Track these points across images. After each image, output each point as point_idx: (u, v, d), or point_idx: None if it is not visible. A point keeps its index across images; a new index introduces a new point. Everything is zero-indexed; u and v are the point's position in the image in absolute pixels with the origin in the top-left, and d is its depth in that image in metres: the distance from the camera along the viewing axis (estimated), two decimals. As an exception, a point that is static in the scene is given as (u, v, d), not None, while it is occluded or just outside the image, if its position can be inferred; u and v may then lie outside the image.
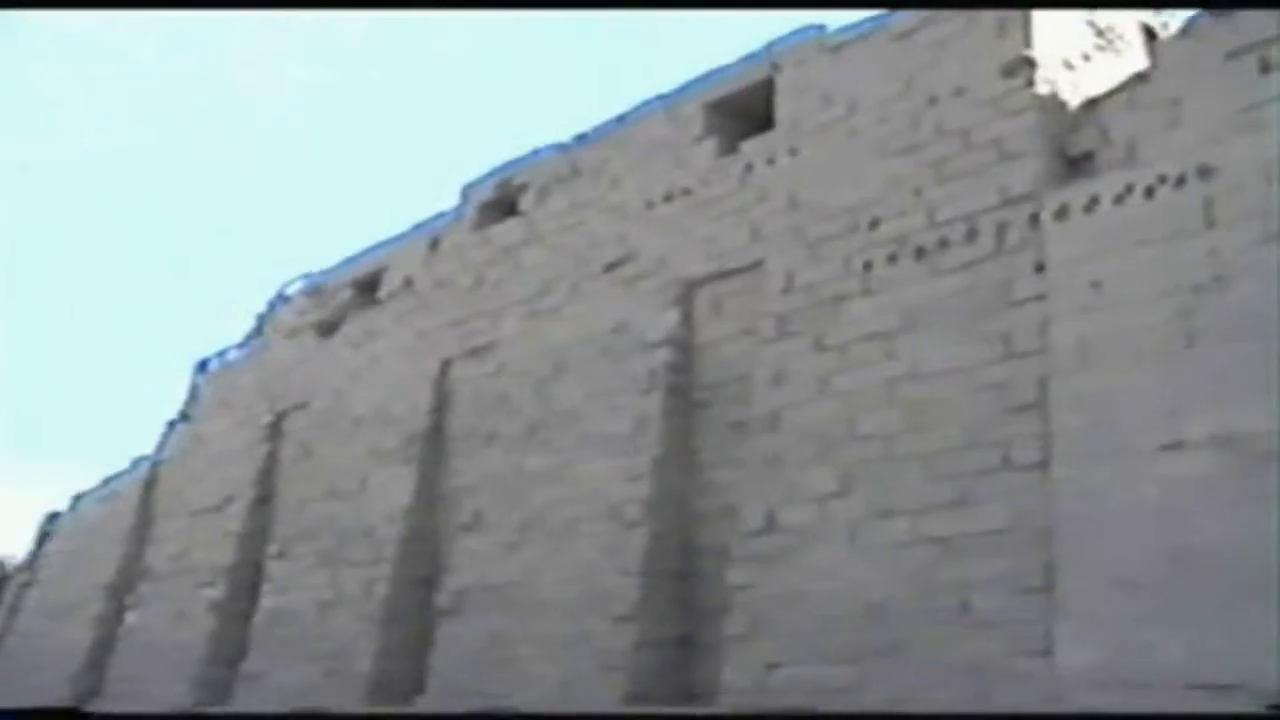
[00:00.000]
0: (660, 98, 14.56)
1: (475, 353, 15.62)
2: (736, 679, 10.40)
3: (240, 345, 21.45)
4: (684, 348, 12.86)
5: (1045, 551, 8.86)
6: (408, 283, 17.47)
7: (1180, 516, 8.20)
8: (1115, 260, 9.25)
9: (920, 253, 10.73)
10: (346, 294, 18.98)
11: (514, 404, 14.54)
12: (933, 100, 11.25)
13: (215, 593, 18.14)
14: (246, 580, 17.90)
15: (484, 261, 16.10)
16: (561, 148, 15.69)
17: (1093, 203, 9.59)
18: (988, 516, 9.32)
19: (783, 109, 12.89)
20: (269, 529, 18.14)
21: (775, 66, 13.16)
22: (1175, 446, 8.41)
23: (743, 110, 13.58)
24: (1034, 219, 9.98)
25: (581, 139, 15.47)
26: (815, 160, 12.17)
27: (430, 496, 15.39)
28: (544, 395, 14.12)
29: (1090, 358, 9.11)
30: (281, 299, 20.73)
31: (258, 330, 21.11)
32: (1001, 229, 10.20)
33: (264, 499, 18.60)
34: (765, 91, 13.25)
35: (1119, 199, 9.44)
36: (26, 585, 24.28)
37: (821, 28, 12.84)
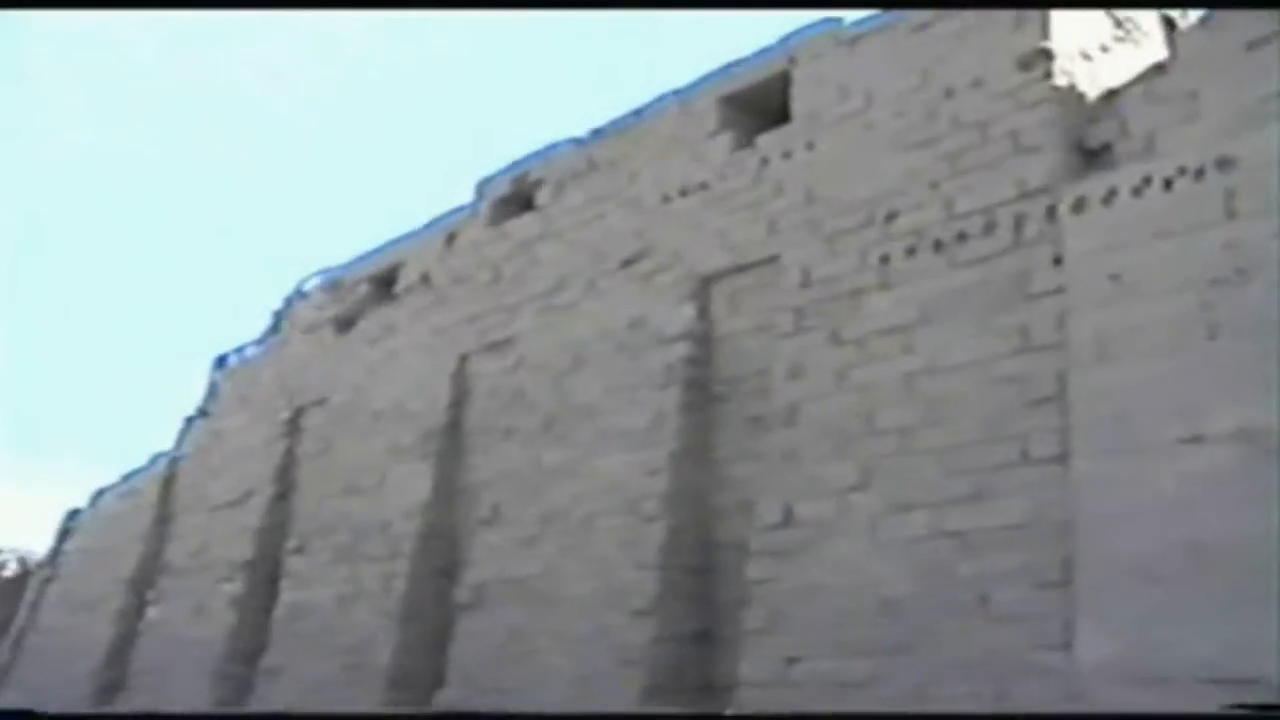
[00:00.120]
0: (675, 92, 14.55)
1: (492, 348, 15.65)
2: (755, 673, 10.41)
3: (258, 341, 21.53)
4: (701, 342, 12.86)
5: (1064, 545, 8.83)
6: (424, 278, 17.51)
7: (1199, 510, 8.17)
8: (1134, 253, 9.21)
9: (938, 246, 10.70)
10: (364, 289, 19.04)
11: (531, 399, 14.56)
12: (950, 93, 11.22)
13: (234, 588, 18.22)
14: (265, 575, 17.97)
15: (500, 257, 16.12)
16: (577, 142, 15.70)
17: (1111, 195, 9.55)
18: (1006, 510, 9.30)
19: (799, 102, 12.86)
20: (288, 524, 18.22)
21: (791, 60, 13.14)
22: (1194, 440, 8.37)
23: (758, 104, 13.57)
24: (1052, 211, 9.94)
25: (597, 134, 15.48)
26: (832, 154, 12.14)
27: (448, 491, 15.43)
28: (561, 390, 14.14)
29: (1109, 351, 9.07)
30: (299, 295, 20.81)
31: (275, 326, 21.19)
32: (1019, 222, 10.17)
33: (283, 494, 18.67)
34: (781, 85, 13.23)
35: (1137, 191, 9.39)
36: (48, 580, 24.44)
37: (838, 21, 12.82)
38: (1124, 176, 9.55)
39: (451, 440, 15.71)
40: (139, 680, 19.30)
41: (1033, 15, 10.75)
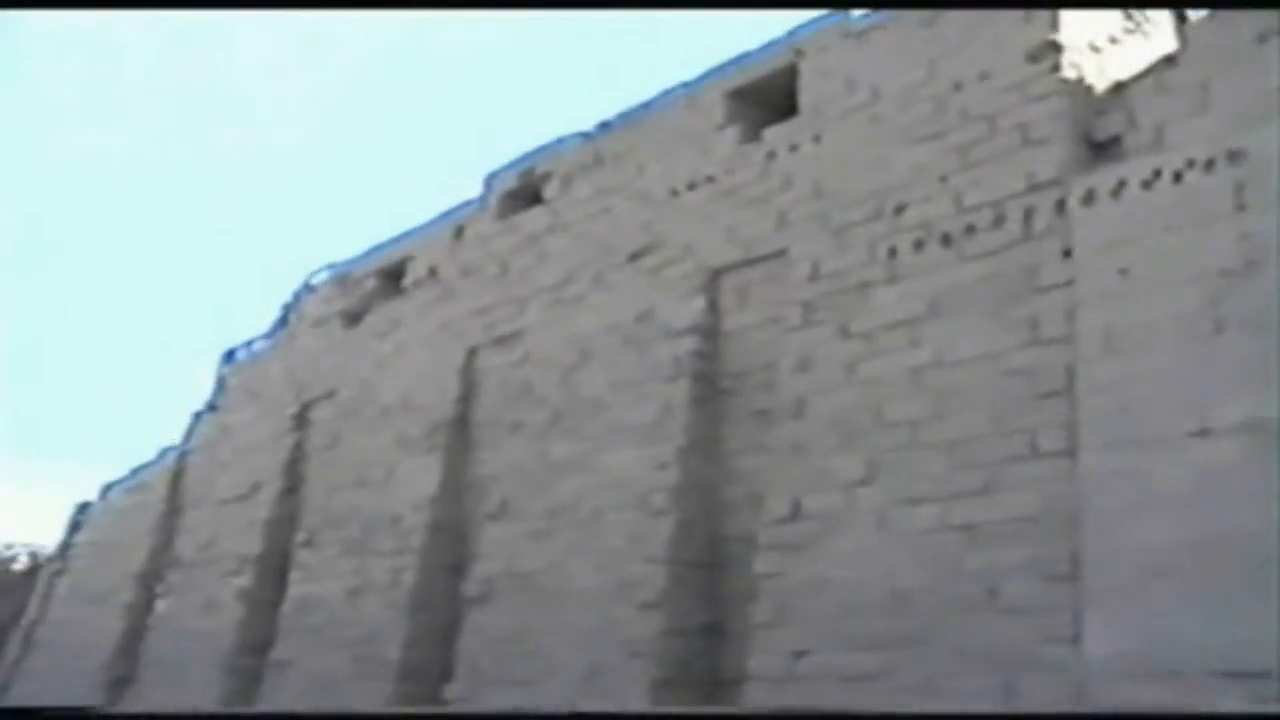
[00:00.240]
0: (682, 85, 14.54)
1: (500, 341, 15.66)
2: (763, 666, 10.41)
3: (267, 336, 21.56)
4: (709, 336, 12.85)
5: (1072, 539, 8.82)
6: (432, 272, 17.53)
7: (1208, 503, 8.15)
8: (1143, 246, 9.19)
9: (946, 239, 10.68)
10: (372, 283, 19.07)
11: (539, 393, 14.57)
12: (958, 85, 11.20)
13: (243, 581, 18.26)
14: (274, 569, 18.01)
15: (508, 250, 16.13)
16: (584, 136, 15.69)
17: (1120, 188, 9.53)
18: (1015, 504, 9.29)
19: (806, 95, 12.84)
20: (296, 518, 18.26)
21: (798, 53, 13.12)
22: (1203, 433, 8.36)
23: (765, 97, 13.55)
24: (1061, 204, 9.92)
25: (605, 127, 15.47)
26: (839, 147, 12.13)
27: (457, 485, 15.46)
28: (569, 384, 14.15)
29: (1118, 344, 9.05)
30: (307, 289, 20.83)
31: (283, 321, 21.22)
32: (1028, 215, 10.15)
33: (291, 488, 18.72)
34: (788, 78, 13.22)
35: (1147, 184, 9.37)
36: (58, 574, 24.53)
37: (845, 13, 12.78)
38: (1133, 169, 9.52)
39: (459, 434, 15.74)
40: (149, 673, 19.36)
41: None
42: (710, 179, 13.54)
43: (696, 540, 12.02)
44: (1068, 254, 9.71)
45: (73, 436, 66.37)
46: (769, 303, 12.35)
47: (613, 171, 14.96)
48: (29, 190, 66.18)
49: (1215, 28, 9.71)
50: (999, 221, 10.34)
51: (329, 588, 16.36)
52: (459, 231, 17.32)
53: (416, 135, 71.08)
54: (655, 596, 11.65)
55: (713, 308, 12.97)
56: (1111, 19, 11.19)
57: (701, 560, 11.97)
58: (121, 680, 19.86)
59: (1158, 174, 9.33)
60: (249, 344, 22.04)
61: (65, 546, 24.97)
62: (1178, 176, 9.20)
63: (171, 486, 21.86)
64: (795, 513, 10.80)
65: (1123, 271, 9.23)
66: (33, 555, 29.09)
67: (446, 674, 13.78)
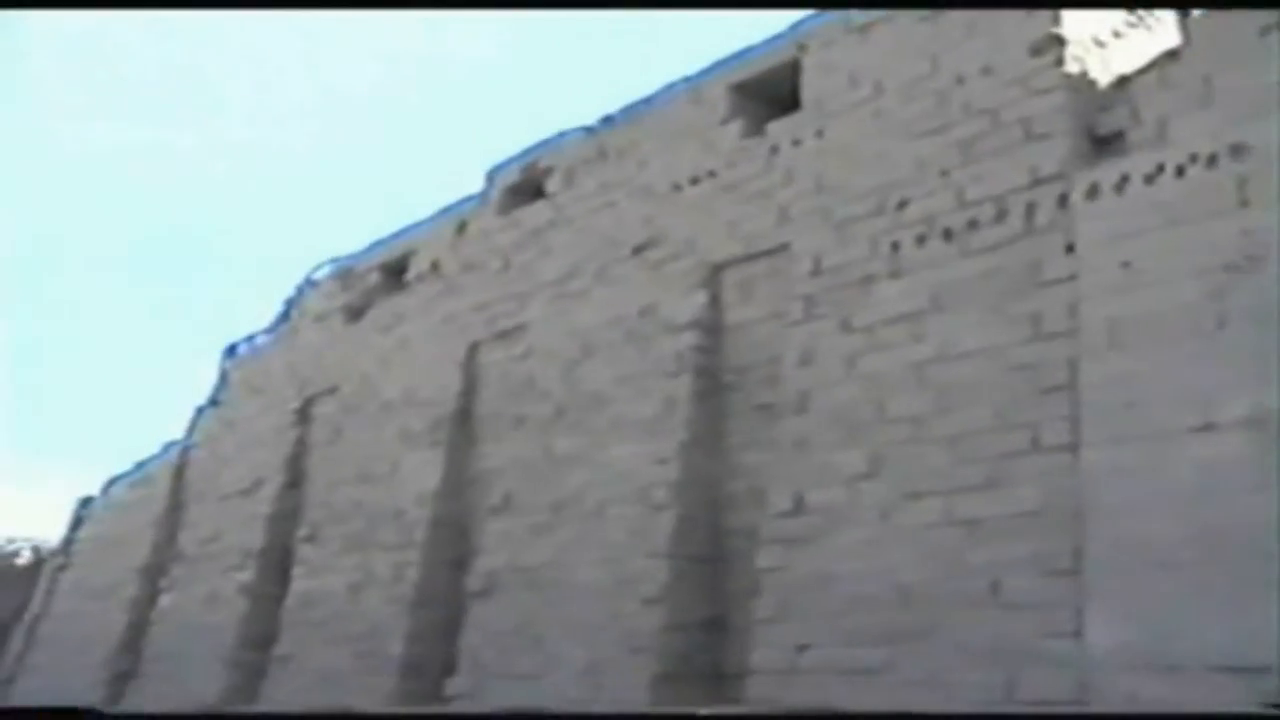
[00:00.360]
0: (685, 80, 14.53)
1: (503, 336, 15.66)
2: (765, 661, 10.42)
3: (269, 330, 21.58)
4: (712, 330, 12.86)
5: (1075, 533, 8.81)
6: (435, 266, 17.53)
7: (1211, 498, 8.14)
8: (1146, 240, 9.18)
9: (949, 234, 10.67)
10: (374, 278, 19.08)
11: (542, 387, 14.57)
12: (960, 80, 11.18)
13: (246, 576, 18.29)
14: (277, 563, 18.04)
15: (511, 245, 16.13)
16: (587, 130, 15.68)
17: (1123, 182, 9.52)
18: (1017, 498, 9.28)
19: (809, 90, 12.83)
20: (299, 513, 18.29)
21: (801, 47, 13.11)
22: (1207, 428, 8.35)
23: (768, 92, 13.54)
24: (1063, 199, 9.91)
25: (607, 121, 15.46)
26: (842, 141, 12.11)
27: (459, 480, 15.47)
28: (572, 378, 14.15)
29: (1120, 339, 9.05)
30: (310, 284, 20.84)
31: (286, 315, 21.23)
32: (1031, 209, 10.13)
33: (294, 483, 18.75)
34: (791, 73, 13.21)
35: (1150, 178, 9.36)
36: (61, 569, 24.57)
37: (847, 8, 12.75)
38: (1136, 164, 9.51)
39: (462, 428, 15.75)
40: (152, 667, 19.40)
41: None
42: (713, 173, 13.53)
43: (699, 535, 12.03)
44: (1070, 249, 9.70)
45: (75, 434, 66.44)
46: (771, 297, 12.34)
47: (615, 166, 14.95)
48: (31, 189, 66.22)
49: (1219, 22, 9.68)
50: (1001, 216, 10.33)
51: (331, 582, 16.38)
52: (461, 226, 17.32)
53: (419, 130, 71.10)
54: (657, 591, 11.66)
55: (715, 302, 12.97)
56: (1115, 13, 11.17)
57: (704, 555, 11.98)
58: (124, 675, 19.90)
59: (1160, 168, 9.31)
60: (251, 339, 22.07)
61: (68, 541, 25.01)
62: (1180, 171, 9.19)
63: (174, 481, 21.90)
64: (798, 507, 10.80)
65: (1125, 266, 9.22)
66: (36, 550, 29.15)
67: (449, 668, 13.79)
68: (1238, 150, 8.89)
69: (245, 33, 67.13)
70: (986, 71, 10.98)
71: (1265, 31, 9.17)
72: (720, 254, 13.04)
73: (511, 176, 16.75)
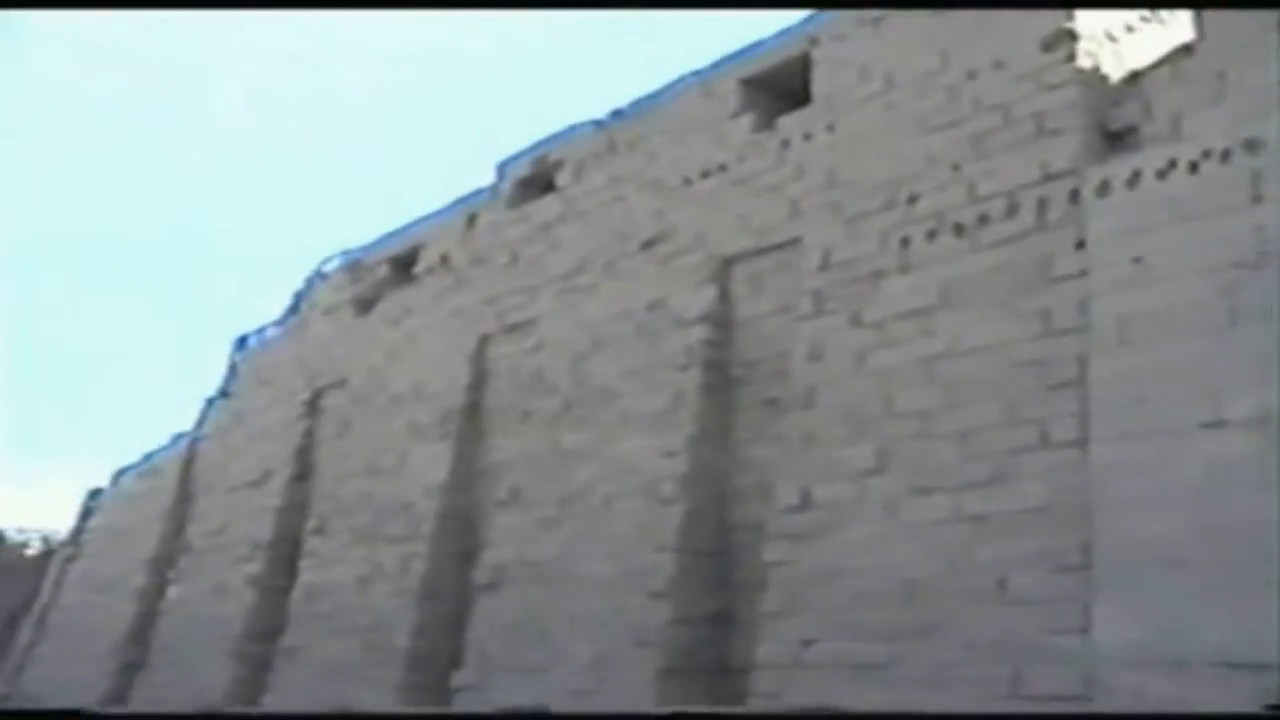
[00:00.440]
0: (696, 74, 14.50)
1: (512, 329, 15.66)
2: (771, 655, 10.39)
3: (278, 322, 21.61)
4: (721, 325, 12.83)
5: (1083, 529, 8.77)
6: (444, 259, 17.52)
7: (1220, 495, 8.10)
8: (1157, 236, 9.12)
9: (959, 229, 10.63)
10: (383, 271, 19.09)
11: (551, 381, 14.56)
12: (972, 74, 11.13)
13: (254, 568, 18.33)
14: (285, 555, 18.07)
15: (520, 238, 16.11)
16: (597, 124, 15.66)
17: (1135, 178, 9.46)
18: (1025, 494, 9.25)
19: (820, 84, 12.79)
20: (307, 505, 18.31)
21: (812, 41, 13.06)
22: (1216, 425, 8.30)
23: (779, 86, 13.50)
24: (1075, 194, 9.86)
25: (618, 115, 15.43)
26: (853, 136, 12.07)
27: (467, 473, 15.47)
28: (580, 372, 14.13)
29: (1131, 335, 8.99)
30: (319, 276, 20.87)
31: (295, 308, 21.26)
32: (1042, 205, 10.08)
33: (302, 475, 18.77)
34: (802, 67, 13.16)
35: (1162, 174, 9.30)
36: (70, 559, 24.65)
37: (855, 8, 12.70)
38: (1148, 159, 9.45)
39: (471, 422, 15.75)
40: (159, 658, 19.45)
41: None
42: (723, 167, 13.50)
43: (706, 529, 12.01)
44: (1081, 244, 9.64)
45: (85, 427, 66.66)
46: (781, 292, 12.31)
47: (625, 160, 14.93)
48: (31, 189, 66.38)
49: (1233, 16, 9.61)
50: (1012, 211, 10.28)
51: (339, 575, 16.40)
52: (471, 219, 17.31)
53: (429, 123, 71.14)
54: (664, 585, 11.64)
55: (724, 296, 12.94)
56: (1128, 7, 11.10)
57: (710, 549, 11.96)
58: (132, 665, 19.97)
59: (1173, 164, 9.25)
60: (261, 331, 22.10)
61: (78, 532, 25.10)
62: (1193, 167, 9.13)
63: (183, 473, 21.96)
64: (805, 502, 10.77)
65: (1136, 262, 9.16)
66: (45, 541, 29.24)
67: (455, 661, 13.79)
68: (1251, 145, 8.82)
69: (244, 32, 67.21)
70: (998, 66, 10.92)
71: (1280, 26, 9.10)
72: (730, 248, 13.00)
73: (521, 170, 16.74)
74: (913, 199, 11.14)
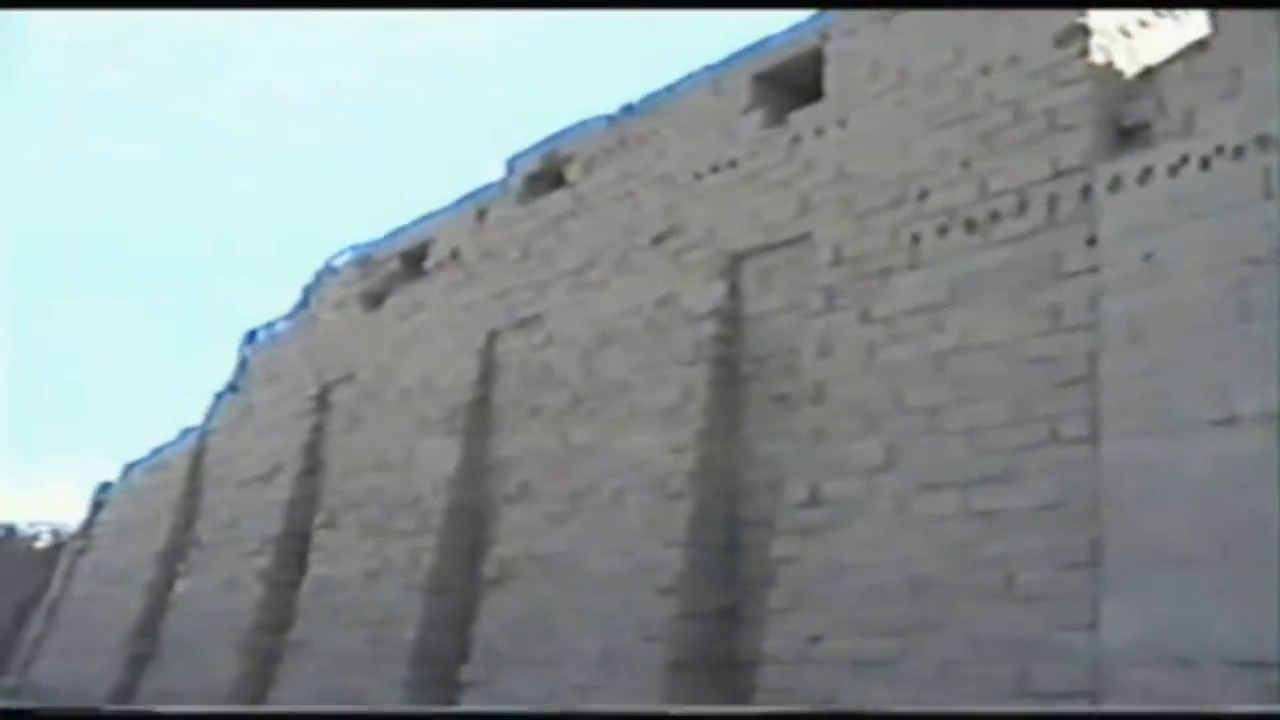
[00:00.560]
0: (707, 69, 14.47)
1: (521, 324, 15.65)
2: (778, 650, 10.39)
3: (288, 317, 21.63)
4: (731, 320, 12.81)
5: (1092, 526, 8.75)
6: (454, 254, 17.52)
7: (1231, 492, 8.06)
8: (1169, 233, 9.08)
9: (970, 225, 10.59)
10: (394, 266, 19.09)
11: (560, 376, 14.56)
12: (984, 70, 11.08)
13: (263, 561, 18.37)
14: (294, 549, 18.10)
15: (530, 233, 16.11)
16: (608, 119, 15.64)
17: (1147, 174, 9.41)
18: (1034, 491, 9.22)
19: (831, 80, 12.75)
20: (316, 499, 18.33)
21: (824, 37, 13.02)
22: (1227, 422, 8.26)
23: (790, 81, 13.47)
24: (1086, 191, 9.82)
25: (628, 110, 15.41)
26: (864, 131, 12.04)
27: (476, 468, 15.47)
28: (590, 367, 14.13)
29: (1141, 331, 8.96)
30: (329, 271, 20.88)
31: (304, 302, 21.28)
32: (1053, 201, 10.05)
33: (311, 470, 18.80)
34: (813, 62, 13.12)
35: (1174, 170, 9.25)
36: (80, 552, 24.72)
37: (863, 8, 12.66)
38: (1161, 155, 9.40)
39: (480, 417, 15.75)
40: (169, 651, 19.49)
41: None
42: (733, 163, 13.47)
43: (714, 524, 12.00)
44: (1092, 241, 9.60)
45: (96, 421, 66.81)
46: (791, 287, 12.29)
47: (636, 155, 14.91)
48: (33, 188, 66.53)
49: (1248, 12, 9.56)
50: (1023, 208, 10.25)
51: (348, 568, 16.42)
52: (481, 214, 17.31)
53: (439, 118, 71.16)
54: (672, 580, 11.64)
55: (734, 292, 12.92)
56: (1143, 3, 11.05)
57: (719, 544, 11.95)
58: (142, 658, 20.01)
59: (1185, 160, 9.20)
60: (270, 325, 22.13)
61: (88, 525, 25.16)
62: (1205, 163, 9.08)
63: (192, 467, 21.99)
64: (814, 497, 10.76)
65: (1148, 258, 9.12)
66: (55, 533, 29.32)
67: (463, 655, 13.81)
68: (1264, 142, 8.77)
69: (244, 32, 67.30)
70: (1011, 62, 10.88)
71: (1294, 22, 9.06)
72: (740, 243, 12.98)
73: (532, 165, 16.73)
74: (923, 195, 11.11)
